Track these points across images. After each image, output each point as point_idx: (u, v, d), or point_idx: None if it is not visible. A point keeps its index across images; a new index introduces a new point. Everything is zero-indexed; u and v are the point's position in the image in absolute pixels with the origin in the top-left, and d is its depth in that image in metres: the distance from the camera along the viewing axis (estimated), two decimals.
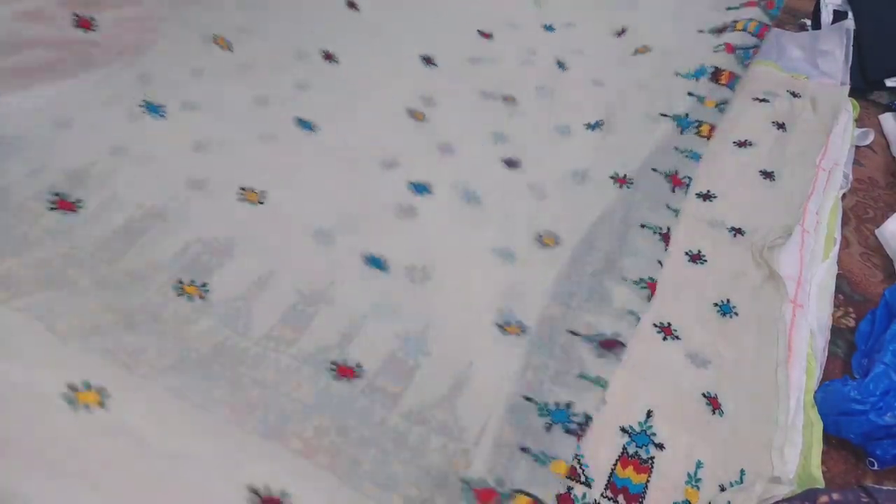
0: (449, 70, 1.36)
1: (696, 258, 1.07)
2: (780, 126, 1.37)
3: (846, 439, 0.91)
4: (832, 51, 1.64)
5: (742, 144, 1.32)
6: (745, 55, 1.39)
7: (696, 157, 1.21)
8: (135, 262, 0.85)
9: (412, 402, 0.78)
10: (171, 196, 0.94)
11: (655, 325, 0.95)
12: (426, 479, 0.71)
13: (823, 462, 0.88)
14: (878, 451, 0.89)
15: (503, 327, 0.90)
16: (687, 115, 1.27)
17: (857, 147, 1.48)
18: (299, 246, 0.93)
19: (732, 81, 1.35)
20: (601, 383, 0.83)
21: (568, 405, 0.80)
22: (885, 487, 0.79)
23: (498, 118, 1.27)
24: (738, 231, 1.12)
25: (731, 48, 1.39)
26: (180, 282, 0.85)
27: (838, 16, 1.74)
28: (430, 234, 0.99)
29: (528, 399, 0.81)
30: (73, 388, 0.72)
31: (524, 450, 0.76)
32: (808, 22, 1.84)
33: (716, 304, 1.00)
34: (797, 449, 0.87)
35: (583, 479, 0.78)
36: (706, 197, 1.19)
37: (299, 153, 1.07)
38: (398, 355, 0.82)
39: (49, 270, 0.81)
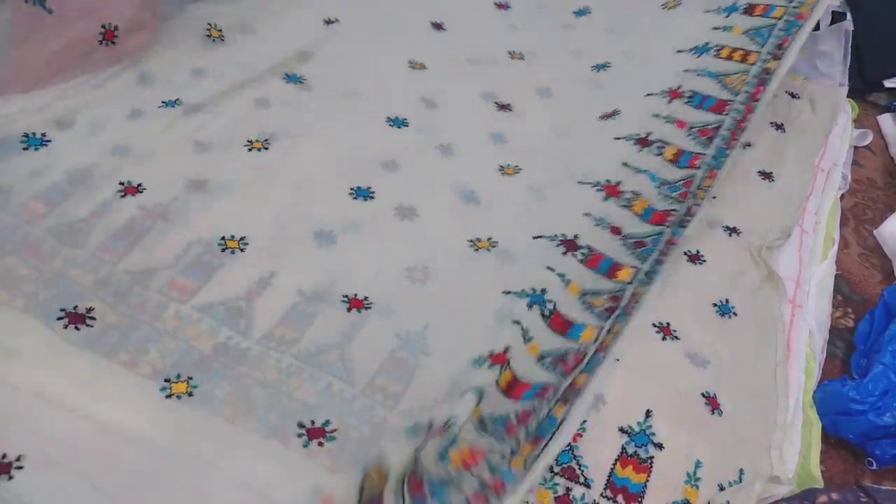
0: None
1: (694, 258, 1.07)
2: (779, 127, 1.38)
3: (845, 439, 0.91)
4: (831, 52, 1.64)
5: (741, 145, 1.32)
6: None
7: (653, 178, 1.12)
8: (137, 262, 0.86)
9: (412, 402, 0.78)
10: (172, 196, 0.94)
11: (654, 325, 0.95)
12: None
13: (822, 462, 0.89)
14: (877, 451, 0.89)
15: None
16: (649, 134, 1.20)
17: (856, 148, 1.49)
18: (300, 246, 0.94)
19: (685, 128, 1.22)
20: (564, 280, 0.93)
21: (543, 290, 0.91)
22: (883, 487, 0.80)
23: (498, 120, 1.27)
24: (732, 230, 1.12)
25: (681, 124, 1.22)
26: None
27: (837, 17, 1.74)
28: (431, 234, 0.99)
29: (507, 292, 0.90)
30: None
31: (516, 322, 0.86)
32: None
33: (715, 304, 1.00)
34: (796, 448, 0.87)
35: (582, 479, 0.78)
36: None
37: (299, 153, 1.07)
38: (398, 355, 0.83)
39: (51, 271, 0.82)
